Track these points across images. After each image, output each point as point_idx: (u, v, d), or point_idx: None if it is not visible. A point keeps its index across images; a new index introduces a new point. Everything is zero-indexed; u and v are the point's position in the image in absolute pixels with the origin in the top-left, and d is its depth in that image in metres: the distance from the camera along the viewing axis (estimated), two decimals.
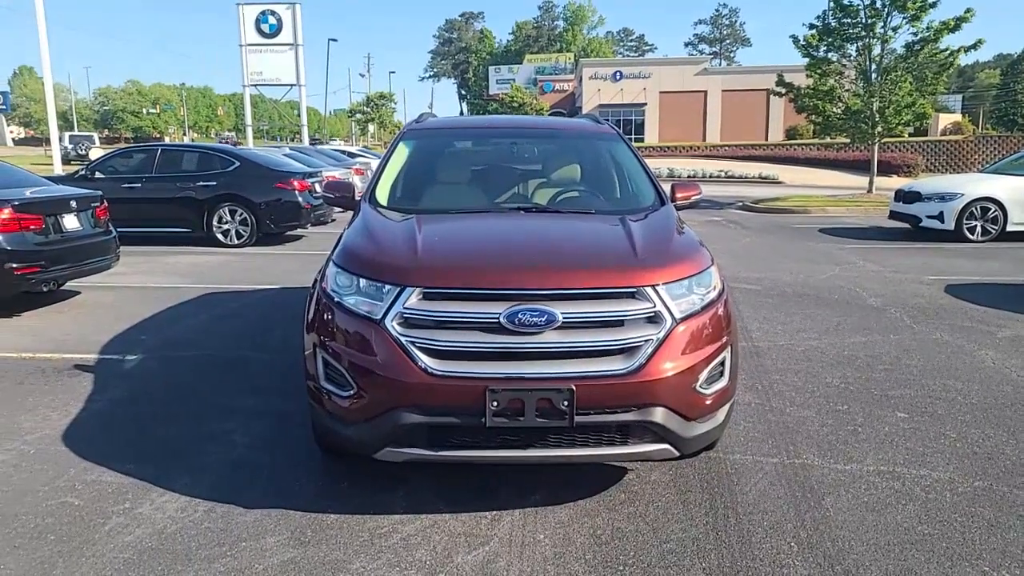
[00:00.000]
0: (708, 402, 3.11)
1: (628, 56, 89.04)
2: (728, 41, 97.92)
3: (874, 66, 17.89)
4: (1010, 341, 5.94)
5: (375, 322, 2.99)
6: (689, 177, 28.28)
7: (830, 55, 18.42)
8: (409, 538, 3.02)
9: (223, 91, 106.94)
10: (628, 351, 2.94)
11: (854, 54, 18.33)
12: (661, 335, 2.97)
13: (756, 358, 5.44)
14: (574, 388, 2.83)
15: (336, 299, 3.19)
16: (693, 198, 4.35)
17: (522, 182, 4.56)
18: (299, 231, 12.73)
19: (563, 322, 2.90)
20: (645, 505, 3.29)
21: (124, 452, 3.82)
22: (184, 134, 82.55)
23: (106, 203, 7.73)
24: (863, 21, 17.62)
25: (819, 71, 18.33)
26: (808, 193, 21.89)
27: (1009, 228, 11.51)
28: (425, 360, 2.90)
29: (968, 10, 16.62)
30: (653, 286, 3.02)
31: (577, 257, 3.29)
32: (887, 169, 26.47)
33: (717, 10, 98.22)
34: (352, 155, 21.31)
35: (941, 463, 3.71)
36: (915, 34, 17.17)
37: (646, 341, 2.95)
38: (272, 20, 35.25)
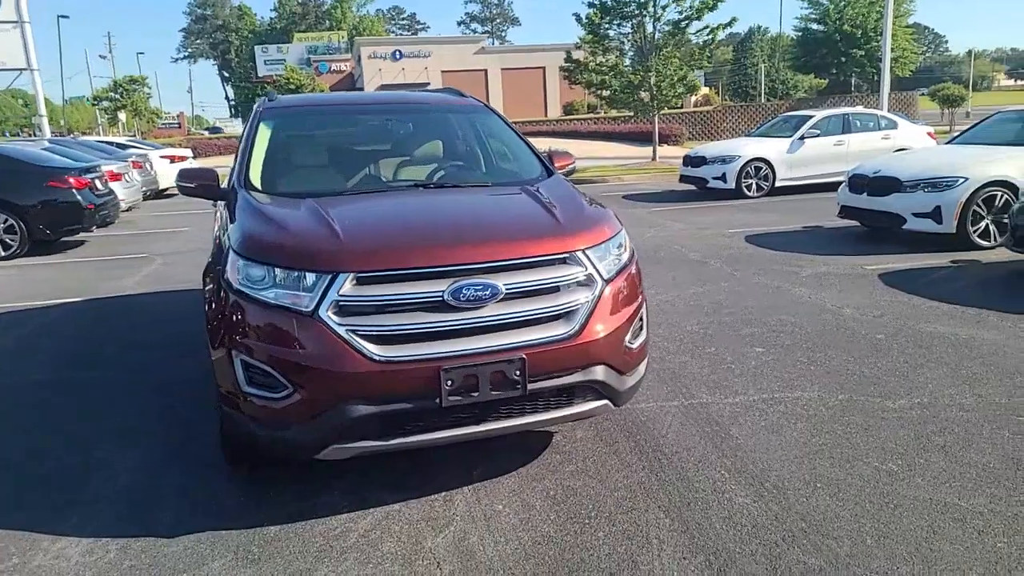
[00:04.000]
0: (635, 356, 3.30)
1: (402, 35, 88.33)
2: (498, 20, 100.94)
3: (648, 43, 19.57)
4: (814, 278, 6.93)
5: (306, 314, 2.77)
6: None
7: (610, 32, 19.82)
8: (368, 533, 2.87)
9: None
10: (567, 315, 3.01)
11: (630, 31, 19.90)
12: (594, 296, 3.08)
13: None
14: (525, 357, 2.86)
15: (250, 294, 2.89)
16: (569, 166, 4.51)
17: (405, 158, 4.41)
18: (81, 236, 11.13)
19: (506, 293, 2.89)
20: (583, 462, 3.43)
21: None
22: None
23: None
24: (636, 0, 19.16)
25: (601, 47, 19.65)
26: (598, 164, 23.43)
27: (778, 184, 13.32)
28: (369, 348, 2.75)
29: None
30: (583, 250, 3.12)
31: (507, 228, 3.28)
32: (659, 139, 29.18)
33: None
34: (123, 147, 18.91)
35: (807, 384, 4.28)
36: (680, 12, 19.05)
37: (583, 304, 3.04)
38: None
